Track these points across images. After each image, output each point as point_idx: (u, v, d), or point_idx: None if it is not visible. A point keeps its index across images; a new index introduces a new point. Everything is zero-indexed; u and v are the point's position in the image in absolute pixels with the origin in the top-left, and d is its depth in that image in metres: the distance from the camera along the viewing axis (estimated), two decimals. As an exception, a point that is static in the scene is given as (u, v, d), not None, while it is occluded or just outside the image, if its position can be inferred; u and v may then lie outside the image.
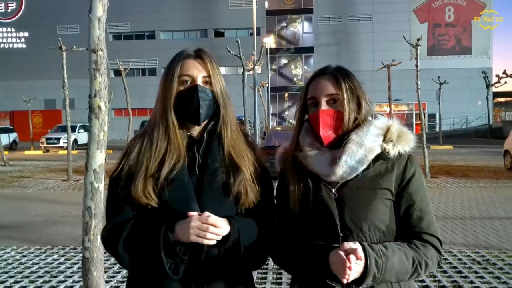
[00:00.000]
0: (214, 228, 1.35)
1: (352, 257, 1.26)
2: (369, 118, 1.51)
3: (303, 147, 1.52)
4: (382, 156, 1.47)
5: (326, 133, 1.47)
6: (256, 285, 1.67)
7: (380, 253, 1.33)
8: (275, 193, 1.64)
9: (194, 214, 1.37)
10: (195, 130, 1.55)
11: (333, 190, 1.46)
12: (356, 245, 1.28)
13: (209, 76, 1.53)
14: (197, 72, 1.51)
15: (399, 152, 1.47)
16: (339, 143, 1.48)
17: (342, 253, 1.27)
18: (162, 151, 1.48)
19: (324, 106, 1.48)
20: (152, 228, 1.40)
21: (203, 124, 1.55)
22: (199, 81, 1.51)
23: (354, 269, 1.26)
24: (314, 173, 1.49)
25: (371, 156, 1.45)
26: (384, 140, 1.48)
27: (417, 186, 1.48)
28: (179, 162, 1.47)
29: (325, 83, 1.49)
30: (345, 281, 1.26)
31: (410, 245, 1.42)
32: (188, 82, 1.51)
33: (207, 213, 1.37)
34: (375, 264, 1.30)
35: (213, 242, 1.37)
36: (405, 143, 1.48)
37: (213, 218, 1.35)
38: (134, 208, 1.47)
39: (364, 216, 1.42)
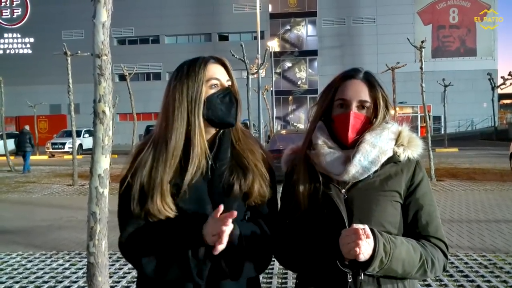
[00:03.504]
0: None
1: (361, 231, 1.25)
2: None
3: (316, 144, 1.52)
4: (393, 159, 1.49)
5: (353, 136, 1.48)
6: (261, 290, 1.64)
7: (389, 240, 1.33)
8: (280, 194, 1.64)
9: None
10: (209, 135, 1.54)
11: (343, 190, 1.47)
12: (364, 226, 1.28)
13: (231, 80, 1.55)
14: (223, 76, 1.53)
15: (408, 157, 1.49)
16: (352, 143, 1.49)
17: (352, 228, 1.27)
18: (178, 158, 1.46)
19: (354, 109, 1.49)
20: (180, 233, 1.39)
21: (216, 129, 1.55)
22: (226, 84, 1.53)
23: (364, 247, 1.25)
24: (324, 173, 1.49)
25: (384, 158, 1.46)
26: (395, 144, 1.50)
27: (425, 191, 1.50)
28: (199, 170, 1.46)
29: (360, 87, 1.50)
30: (357, 250, 1.24)
31: (418, 242, 1.43)
32: (217, 85, 1.51)
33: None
34: (383, 248, 1.30)
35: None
36: (414, 148, 1.51)
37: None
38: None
39: (373, 217, 1.43)
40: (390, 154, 1.48)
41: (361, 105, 1.49)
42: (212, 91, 1.49)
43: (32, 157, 24.77)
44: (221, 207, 1.34)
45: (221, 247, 1.32)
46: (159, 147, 1.48)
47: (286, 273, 4.92)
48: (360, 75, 1.53)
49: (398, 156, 1.48)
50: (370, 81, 1.51)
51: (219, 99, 1.49)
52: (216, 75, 1.51)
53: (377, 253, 1.28)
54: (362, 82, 1.51)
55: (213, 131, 1.54)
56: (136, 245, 1.45)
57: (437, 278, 4.60)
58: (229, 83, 1.54)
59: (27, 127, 18.96)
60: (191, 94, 1.47)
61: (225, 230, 1.30)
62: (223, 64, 1.55)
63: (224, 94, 1.50)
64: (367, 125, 1.49)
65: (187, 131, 1.47)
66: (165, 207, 1.41)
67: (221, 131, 1.54)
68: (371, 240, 1.28)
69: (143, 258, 1.42)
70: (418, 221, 1.46)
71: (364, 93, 1.49)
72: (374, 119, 1.50)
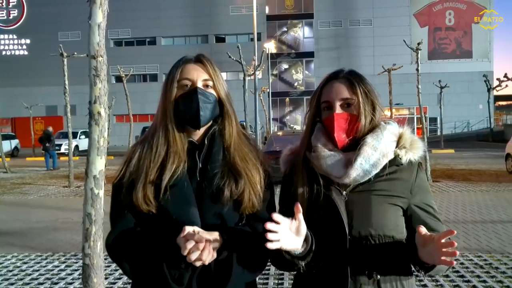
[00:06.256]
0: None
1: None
2: (382, 123, 1.52)
3: (316, 147, 1.51)
4: (394, 162, 1.48)
5: (341, 137, 1.48)
6: (257, 291, 1.63)
7: None
8: (278, 196, 1.62)
9: (188, 229, 1.31)
10: (196, 135, 1.53)
11: (344, 193, 1.47)
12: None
13: (211, 80, 1.51)
14: (197, 75, 1.50)
15: (410, 160, 1.49)
16: (353, 145, 1.48)
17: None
18: (161, 156, 1.46)
19: (338, 109, 1.48)
20: (156, 240, 1.38)
21: (204, 129, 1.53)
22: (199, 84, 1.49)
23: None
24: (324, 175, 1.48)
25: (385, 161, 1.45)
26: (397, 146, 1.49)
27: (427, 192, 1.52)
28: (179, 167, 1.45)
29: (339, 87, 1.50)
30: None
31: None
32: (188, 85, 1.49)
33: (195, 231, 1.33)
34: None
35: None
36: (415, 151, 1.50)
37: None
38: (137, 215, 1.45)
39: (373, 220, 1.43)
40: (392, 156, 1.47)
41: (345, 103, 1.49)
42: (181, 91, 1.50)
43: (28, 159, 24.84)
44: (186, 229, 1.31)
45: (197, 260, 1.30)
46: (147, 144, 1.51)
47: (282, 274, 4.92)
48: (341, 75, 1.53)
49: (400, 158, 1.47)
50: (350, 79, 1.51)
51: (185, 99, 1.48)
52: (189, 75, 1.49)
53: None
54: (343, 81, 1.51)
55: (199, 131, 1.52)
56: (118, 248, 1.45)
57: (433, 278, 4.61)
58: (210, 83, 1.51)
59: (49, 128, 19.76)
60: (166, 94, 1.51)
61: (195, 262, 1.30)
62: (203, 63, 1.52)
63: (189, 94, 1.48)
64: (356, 122, 1.47)
65: (166, 130, 1.50)
66: (146, 200, 1.41)
67: (209, 132, 1.52)
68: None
69: (123, 262, 1.43)
70: (421, 222, 1.46)
71: (344, 92, 1.49)
72: (362, 117, 1.48)
